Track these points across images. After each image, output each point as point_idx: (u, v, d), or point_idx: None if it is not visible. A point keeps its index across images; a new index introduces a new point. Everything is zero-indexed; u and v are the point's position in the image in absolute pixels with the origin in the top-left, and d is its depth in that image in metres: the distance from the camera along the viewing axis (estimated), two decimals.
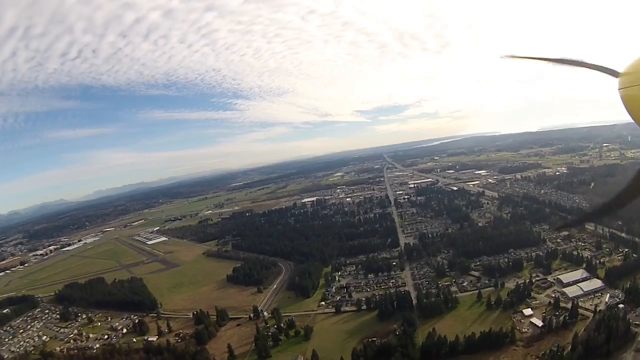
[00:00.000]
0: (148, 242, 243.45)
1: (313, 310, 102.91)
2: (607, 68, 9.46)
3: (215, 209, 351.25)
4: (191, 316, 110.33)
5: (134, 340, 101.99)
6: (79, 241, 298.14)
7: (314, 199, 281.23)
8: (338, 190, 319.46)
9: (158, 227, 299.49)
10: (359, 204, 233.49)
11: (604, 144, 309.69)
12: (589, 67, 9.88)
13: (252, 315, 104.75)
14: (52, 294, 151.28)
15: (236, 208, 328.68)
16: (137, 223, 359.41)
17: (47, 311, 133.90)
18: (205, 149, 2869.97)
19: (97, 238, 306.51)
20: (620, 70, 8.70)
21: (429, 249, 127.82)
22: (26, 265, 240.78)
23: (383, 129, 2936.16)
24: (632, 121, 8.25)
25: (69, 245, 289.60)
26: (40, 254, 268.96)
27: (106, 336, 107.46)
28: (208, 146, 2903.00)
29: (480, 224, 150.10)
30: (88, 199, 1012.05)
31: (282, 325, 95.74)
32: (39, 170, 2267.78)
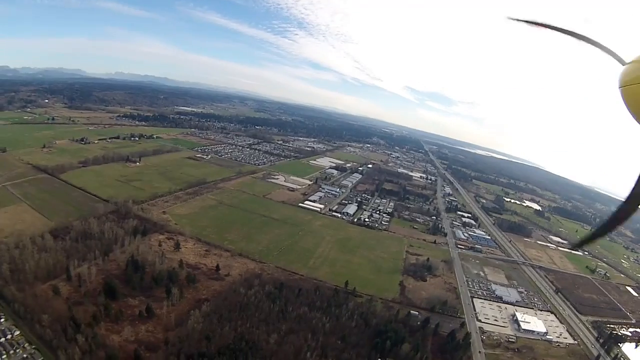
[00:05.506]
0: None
1: None
2: (615, 54, 9.23)
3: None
4: None
5: None
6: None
7: None
8: None
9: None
10: None
11: None
12: (598, 47, 9.59)
13: None
14: None
15: None
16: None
17: None
18: (246, 67, 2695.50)
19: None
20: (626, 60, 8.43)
21: None
22: None
23: (425, 113, 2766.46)
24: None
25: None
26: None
27: None
28: (250, 66, 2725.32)
29: None
30: (106, 76, 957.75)
31: None
32: (72, 35, 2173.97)
